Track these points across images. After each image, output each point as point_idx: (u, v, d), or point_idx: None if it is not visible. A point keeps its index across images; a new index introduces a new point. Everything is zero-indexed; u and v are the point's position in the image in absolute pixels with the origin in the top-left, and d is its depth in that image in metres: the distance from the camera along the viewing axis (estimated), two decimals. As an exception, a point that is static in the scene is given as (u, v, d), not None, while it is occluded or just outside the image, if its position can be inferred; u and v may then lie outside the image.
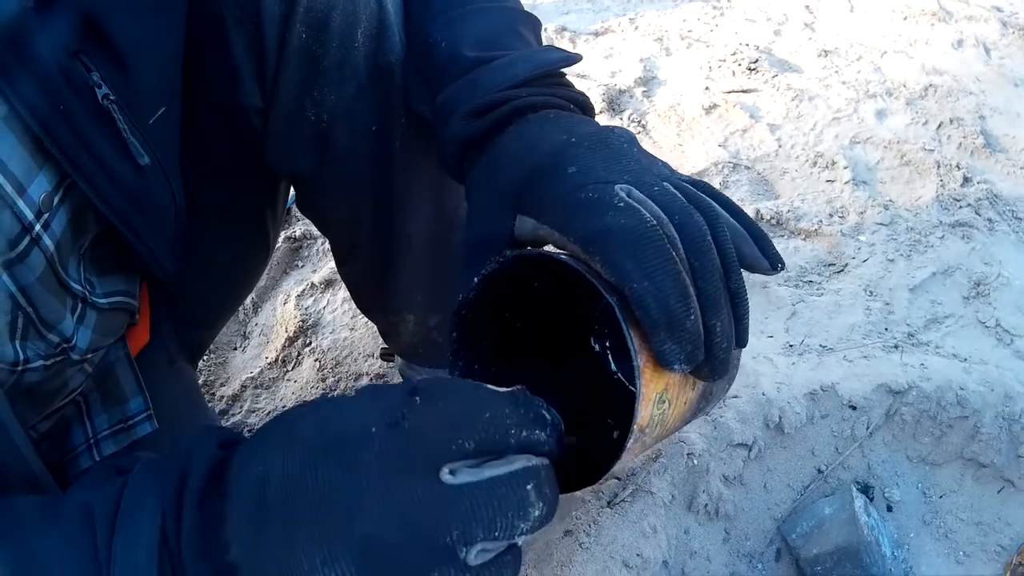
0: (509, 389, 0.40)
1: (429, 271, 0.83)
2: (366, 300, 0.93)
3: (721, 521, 0.90)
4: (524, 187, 0.50)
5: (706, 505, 0.88)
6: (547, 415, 0.40)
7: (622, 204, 0.44)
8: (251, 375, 1.24)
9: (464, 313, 0.52)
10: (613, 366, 0.55)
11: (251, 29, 0.62)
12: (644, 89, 1.63)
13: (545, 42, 0.68)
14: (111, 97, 0.54)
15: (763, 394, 0.93)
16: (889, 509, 0.99)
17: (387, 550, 0.35)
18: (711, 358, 0.45)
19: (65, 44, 0.51)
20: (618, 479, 0.88)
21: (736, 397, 0.95)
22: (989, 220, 1.34)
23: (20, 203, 0.51)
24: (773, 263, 0.49)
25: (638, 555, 0.80)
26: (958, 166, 1.41)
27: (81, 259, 0.60)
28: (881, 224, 1.30)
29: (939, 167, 1.40)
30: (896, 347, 1.12)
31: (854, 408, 0.95)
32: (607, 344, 0.55)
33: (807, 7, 1.89)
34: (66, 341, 0.60)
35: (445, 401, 0.38)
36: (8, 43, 0.47)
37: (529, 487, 0.36)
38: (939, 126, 1.51)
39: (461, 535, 0.35)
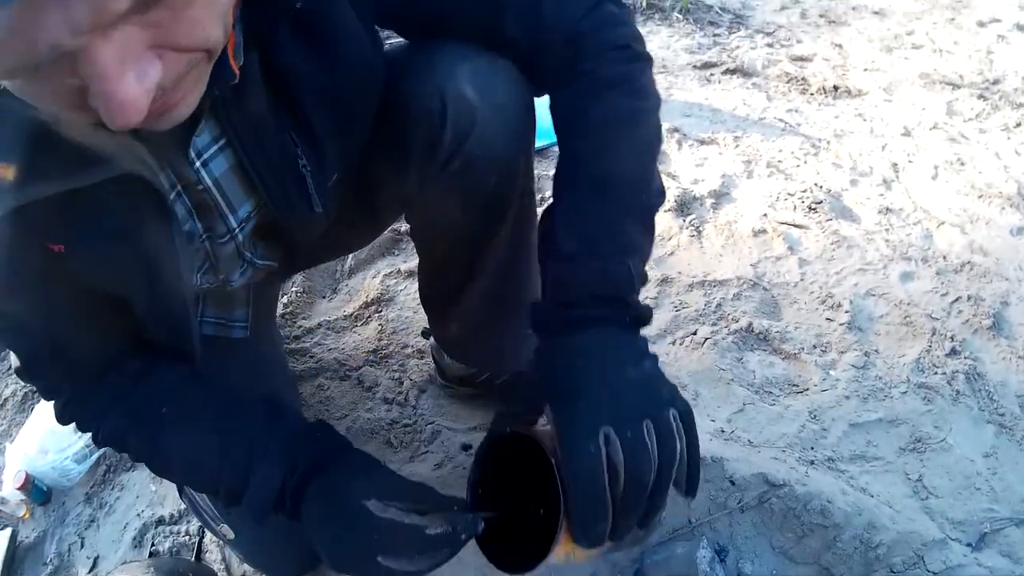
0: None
1: (480, 309, 1.15)
2: (431, 299, 1.27)
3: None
4: (554, 390, 0.76)
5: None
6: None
7: (593, 449, 0.68)
8: (327, 319, 1.68)
9: (483, 454, 0.84)
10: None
11: (429, 136, 0.87)
12: (714, 201, 1.93)
13: (657, 139, 0.90)
14: (308, 167, 0.81)
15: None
16: (739, 579, 1.23)
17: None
18: (615, 539, 0.72)
19: (282, 125, 0.77)
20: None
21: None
22: (957, 392, 1.50)
23: (231, 219, 0.82)
24: (690, 493, 0.73)
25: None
26: (952, 338, 1.59)
27: (248, 238, 0.90)
28: (854, 367, 1.53)
29: (934, 334, 1.60)
30: (811, 463, 1.36)
31: (733, 483, 1.22)
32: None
33: (894, 165, 2.10)
34: (229, 281, 0.93)
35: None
36: (248, 125, 0.74)
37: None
38: (955, 300, 1.69)
39: None
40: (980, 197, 2.00)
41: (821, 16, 2.95)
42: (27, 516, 1.84)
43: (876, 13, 2.97)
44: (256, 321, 1.20)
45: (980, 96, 2.42)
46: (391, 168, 0.95)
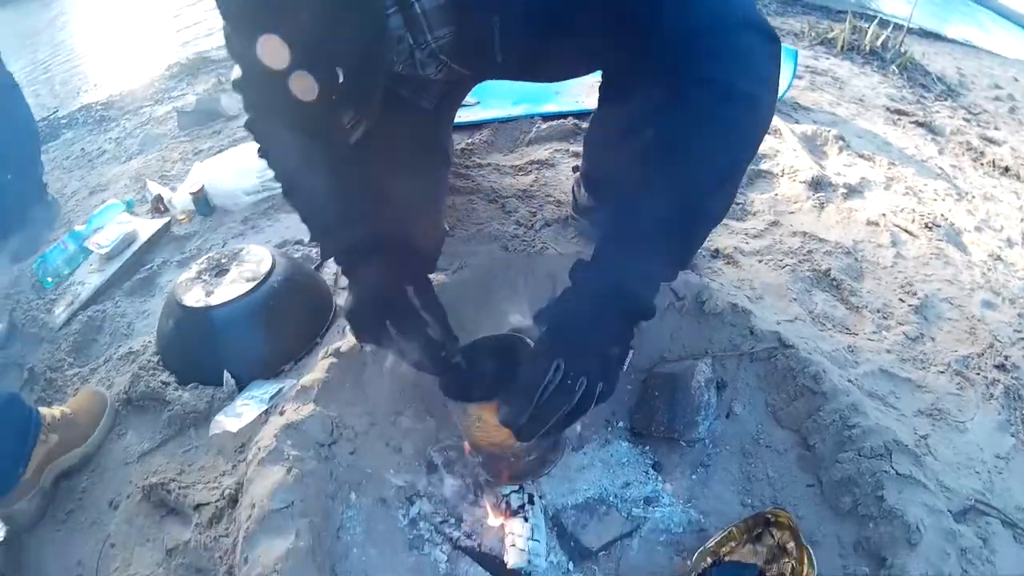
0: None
1: (624, 164, 1.46)
2: (592, 143, 1.63)
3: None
4: (547, 326, 1.03)
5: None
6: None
7: (545, 367, 0.96)
8: (496, 163, 2.10)
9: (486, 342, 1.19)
10: None
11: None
12: (846, 192, 2.16)
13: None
14: (497, 23, 1.12)
15: (710, 284, 1.51)
16: (728, 416, 1.42)
17: None
18: (520, 435, 1.00)
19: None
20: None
21: (710, 280, 1.55)
22: (991, 395, 1.63)
23: (429, 35, 1.17)
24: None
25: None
26: (1006, 356, 1.73)
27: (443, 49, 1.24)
28: (906, 336, 1.70)
29: (991, 347, 1.75)
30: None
31: (752, 333, 1.47)
32: None
33: (1026, 234, 2.23)
34: (425, 72, 1.30)
35: None
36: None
37: None
38: (1026, 336, 1.84)
39: None
40: (1100, 281, 2.08)
41: (1028, 117, 3.06)
42: (186, 220, 2.34)
43: (1083, 131, 3.03)
44: (440, 105, 1.61)
45: None
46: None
